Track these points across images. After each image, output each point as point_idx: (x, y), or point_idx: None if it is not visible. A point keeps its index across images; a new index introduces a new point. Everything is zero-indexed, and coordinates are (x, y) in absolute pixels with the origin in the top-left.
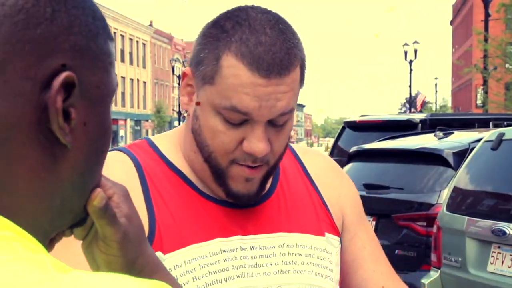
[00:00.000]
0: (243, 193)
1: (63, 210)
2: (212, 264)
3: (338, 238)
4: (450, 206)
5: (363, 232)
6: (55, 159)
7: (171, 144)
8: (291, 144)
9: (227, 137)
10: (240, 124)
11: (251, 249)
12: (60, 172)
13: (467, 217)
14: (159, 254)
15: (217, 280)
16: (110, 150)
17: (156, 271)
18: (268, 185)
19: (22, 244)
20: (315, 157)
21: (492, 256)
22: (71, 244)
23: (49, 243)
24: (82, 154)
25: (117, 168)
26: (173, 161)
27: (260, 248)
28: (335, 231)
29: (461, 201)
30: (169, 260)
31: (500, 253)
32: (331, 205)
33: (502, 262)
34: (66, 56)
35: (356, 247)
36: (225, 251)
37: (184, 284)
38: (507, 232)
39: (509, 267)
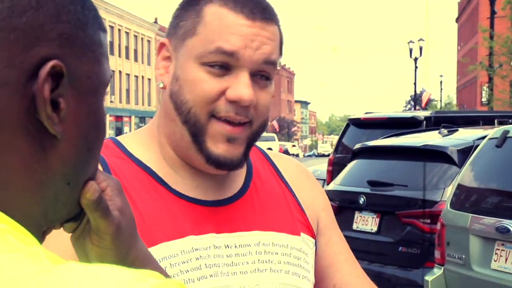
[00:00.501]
0: (225, 157)
1: (56, 203)
2: (184, 263)
3: (313, 240)
4: (454, 204)
5: (338, 237)
6: (45, 149)
7: (139, 141)
8: (261, 148)
9: (209, 85)
10: (224, 74)
11: (226, 247)
12: (51, 163)
13: (471, 215)
14: None
15: (189, 279)
16: None
17: (147, 263)
18: (241, 183)
19: (15, 236)
20: (287, 161)
21: (495, 254)
22: (59, 237)
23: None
24: (73, 145)
25: None
26: (141, 159)
27: (235, 246)
28: (311, 232)
29: (465, 199)
30: None
31: (504, 250)
32: (306, 207)
33: (506, 259)
34: (53, 45)
35: (332, 251)
36: (197, 249)
37: None
38: (511, 229)
39: None
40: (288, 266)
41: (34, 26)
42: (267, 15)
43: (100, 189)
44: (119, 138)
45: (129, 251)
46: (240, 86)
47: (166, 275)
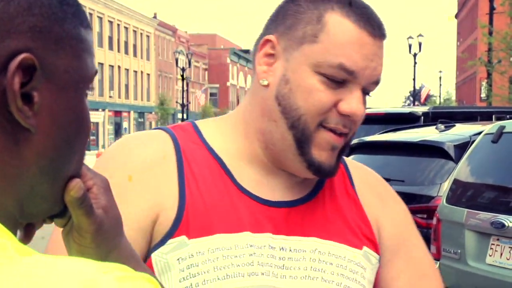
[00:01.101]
0: (325, 164)
1: (33, 197)
2: (236, 257)
3: (378, 256)
4: (450, 199)
5: (401, 260)
6: (18, 142)
7: (217, 130)
8: (343, 158)
9: (324, 96)
10: (338, 86)
11: (280, 249)
12: (25, 157)
13: (466, 210)
14: (183, 238)
15: (239, 273)
16: (155, 129)
17: (129, 262)
18: (309, 189)
19: None
20: (365, 175)
21: (491, 248)
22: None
23: (28, 230)
24: (49, 139)
25: (156, 145)
26: (215, 148)
27: (290, 250)
28: (375, 248)
29: (461, 194)
30: (193, 245)
31: (499, 245)
32: (372, 223)
33: (501, 254)
34: (25, 38)
35: (389, 275)
36: (252, 246)
37: (205, 273)
38: (506, 224)
39: (507, 259)
40: (341, 278)
41: (5, 19)
42: (383, 32)
43: (86, 187)
44: (198, 122)
45: (110, 251)
46: (354, 102)
47: (151, 274)
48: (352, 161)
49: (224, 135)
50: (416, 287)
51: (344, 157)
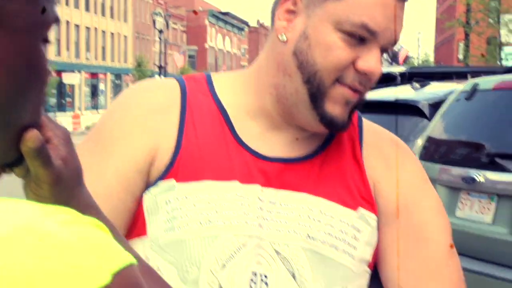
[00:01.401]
0: (337, 118)
1: None
2: (221, 204)
3: (376, 217)
4: (424, 155)
5: (400, 225)
6: None
7: (229, 83)
8: (361, 116)
9: (343, 54)
10: (357, 44)
11: (269, 202)
12: None
13: (439, 166)
14: (172, 181)
15: (221, 220)
16: (170, 77)
17: (87, 214)
18: (312, 148)
19: None
20: (378, 137)
21: (461, 202)
22: None
23: None
24: None
25: (163, 93)
26: (222, 101)
27: (280, 204)
28: (373, 209)
29: (434, 150)
30: (179, 189)
31: (468, 199)
32: (373, 185)
33: (471, 207)
34: None
35: (385, 239)
36: (239, 195)
37: (187, 216)
38: (476, 179)
39: (476, 213)
40: (327, 236)
41: None
42: None
43: (45, 138)
44: (213, 75)
45: (68, 203)
46: (372, 60)
47: (108, 224)
48: (370, 124)
49: (235, 88)
50: (411, 251)
51: (364, 120)
